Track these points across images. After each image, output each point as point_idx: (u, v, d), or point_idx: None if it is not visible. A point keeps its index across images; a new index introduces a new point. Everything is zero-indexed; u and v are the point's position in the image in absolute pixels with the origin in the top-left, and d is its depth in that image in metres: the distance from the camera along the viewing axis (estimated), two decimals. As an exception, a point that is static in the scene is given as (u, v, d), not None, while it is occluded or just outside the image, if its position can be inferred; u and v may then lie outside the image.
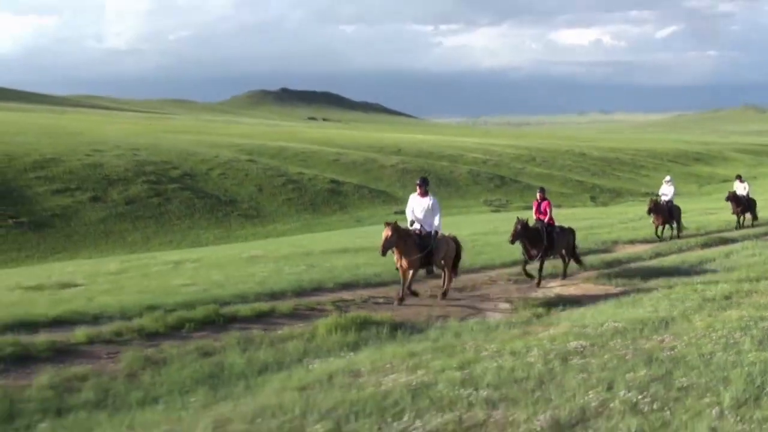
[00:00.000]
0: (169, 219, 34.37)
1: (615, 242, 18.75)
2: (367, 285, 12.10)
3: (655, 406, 5.37)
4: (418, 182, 11.61)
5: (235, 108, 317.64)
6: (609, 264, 15.31)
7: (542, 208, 13.92)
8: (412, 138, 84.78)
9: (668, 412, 5.27)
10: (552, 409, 5.38)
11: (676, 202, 21.32)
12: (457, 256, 12.01)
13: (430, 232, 11.14)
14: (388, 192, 47.91)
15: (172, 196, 37.10)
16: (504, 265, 14.38)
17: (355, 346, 8.22)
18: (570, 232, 14.26)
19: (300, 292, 11.04)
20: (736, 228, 23.13)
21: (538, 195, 14.32)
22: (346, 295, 11.21)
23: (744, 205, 23.62)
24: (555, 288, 12.88)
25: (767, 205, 28.16)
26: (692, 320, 8.76)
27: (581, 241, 16.36)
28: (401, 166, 55.37)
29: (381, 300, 11.08)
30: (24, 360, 7.39)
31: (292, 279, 12.20)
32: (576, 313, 10.08)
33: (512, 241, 12.76)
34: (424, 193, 11.39)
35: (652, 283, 12.51)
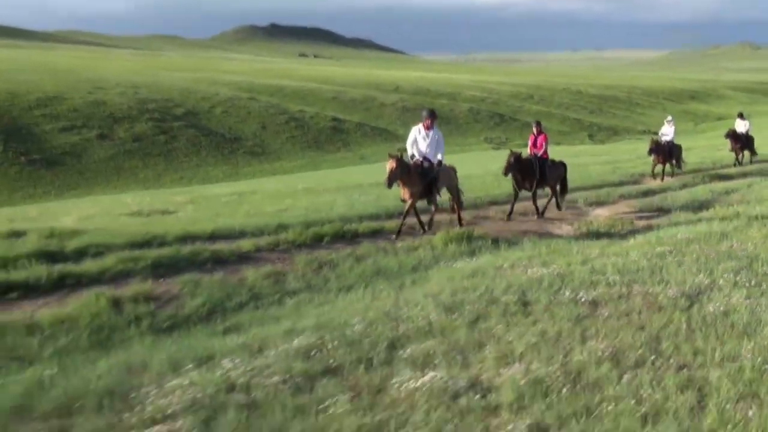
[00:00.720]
0: (177, 156, 34.79)
1: (642, 175, 19.78)
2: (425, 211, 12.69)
3: (752, 283, 6.96)
4: (425, 114, 11.42)
5: (224, 44, 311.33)
6: (644, 193, 16.41)
7: (538, 143, 13.87)
8: (408, 75, 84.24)
9: (764, 285, 6.92)
10: (675, 285, 6.90)
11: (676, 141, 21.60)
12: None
13: (433, 163, 11.15)
14: (389, 130, 48.25)
15: (178, 133, 37.39)
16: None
17: (471, 254, 9.64)
18: (562, 166, 14.25)
19: (389, 215, 12.01)
20: (735, 165, 23.47)
21: (534, 129, 14.15)
22: (424, 217, 11.85)
23: (743, 142, 23.92)
24: (601, 213, 13.83)
25: (764, 143, 28.87)
26: (747, 233, 10.30)
27: (609, 174, 17.43)
28: (401, 104, 55.48)
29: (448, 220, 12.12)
30: (221, 262, 8.70)
31: (370, 205, 13.04)
32: (640, 231, 11.42)
33: (505, 173, 12.85)
34: (430, 126, 11.27)
35: (693, 208, 13.95)
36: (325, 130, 44.28)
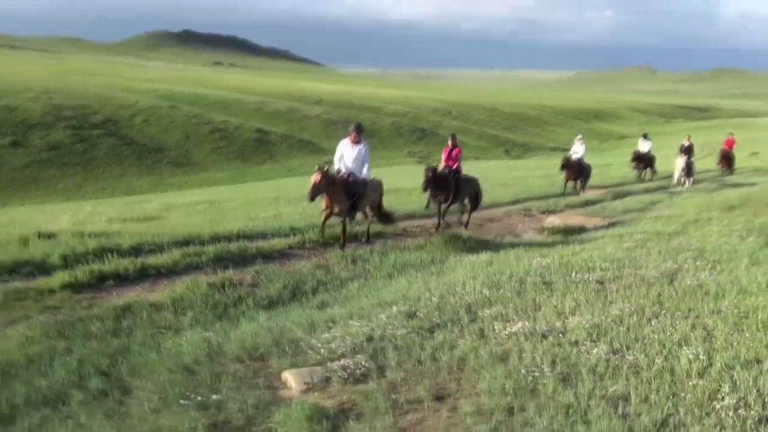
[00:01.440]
0: (98, 166, 33.66)
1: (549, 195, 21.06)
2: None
3: (709, 266, 8.72)
4: (352, 128, 11.12)
5: (133, 49, 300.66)
6: (585, 203, 18.01)
7: (453, 155, 13.81)
8: (330, 88, 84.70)
9: (719, 267, 8.74)
10: (653, 268, 8.50)
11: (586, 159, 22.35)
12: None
13: (359, 178, 10.85)
14: (314, 142, 48.48)
15: (98, 142, 36.18)
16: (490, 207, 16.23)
17: (470, 250, 10.75)
18: (474, 182, 14.24)
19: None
20: (637, 181, 25.00)
21: (449, 142, 14.08)
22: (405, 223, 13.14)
23: (646, 161, 25.86)
24: (555, 220, 14.90)
25: (662, 161, 31.24)
26: (688, 232, 12.27)
27: (548, 187, 19.10)
28: (325, 116, 55.86)
29: (416, 228, 13.02)
30: (267, 257, 9.67)
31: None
32: (599, 232, 12.96)
33: (425, 189, 12.70)
34: (357, 140, 10.96)
35: (632, 215, 15.46)
36: (250, 142, 44.02)
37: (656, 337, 5.83)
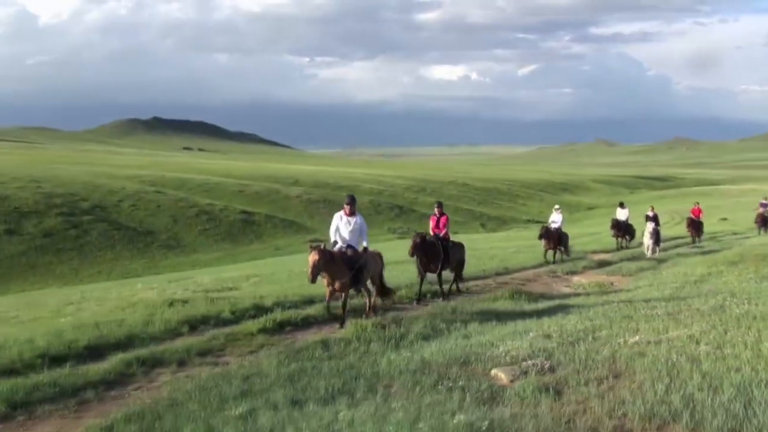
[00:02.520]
0: (91, 251, 34.30)
1: (585, 252, 23.87)
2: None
3: (744, 301, 10.58)
4: (347, 201, 10.99)
5: (103, 137, 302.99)
6: (600, 264, 20.16)
7: (441, 223, 13.79)
8: (306, 169, 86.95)
9: (753, 301, 10.60)
10: (703, 304, 10.49)
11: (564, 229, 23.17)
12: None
13: (357, 250, 10.74)
14: (297, 222, 49.79)
15: (89, 227, 36.92)
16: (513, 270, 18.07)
17: (533, 302, 12.55)
18: (461, 247, 14.35)
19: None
20: (617, 249, 25.90)
21: (436, 210, 14.00)
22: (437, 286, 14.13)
23: (624, 229, 26.88)
24: (581, 279, 16.64)
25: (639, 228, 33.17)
26: (710, 281, 14.34)
27: (558, 253, 20.85)
28: (305, 196, 57.44)
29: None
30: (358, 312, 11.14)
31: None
32: (630, 285, 15.03)
33: (412, 254, 12.65)
34: (352, 212, 10.88)
35: (648, 272, 17.68)
36: (237, 223, 45.10)
37: (738, 339, 7.61)
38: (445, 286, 13.58)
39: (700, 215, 30.03)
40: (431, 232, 13.74)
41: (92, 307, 12.39)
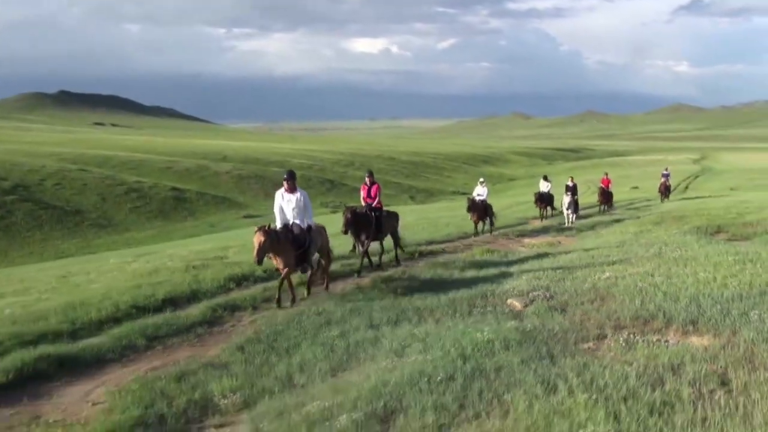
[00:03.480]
0: (18, 231, 33.18)
1: (526, 219, 25.93)
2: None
3: (676, 248, 13.71)
4: (285, 177, 10.52)
5: (6, 112, 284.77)
6: (544, 230, 22.00)
7: (372, 192, 13.54)
8: (233, 145, 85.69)
9: (683, 249, 13.59)
10: (645, 251, 13.49)
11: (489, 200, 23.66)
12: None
13: (303, 227, 10.40)
14: (229, 198, 49.50)
15: (13, 208, 35.58)
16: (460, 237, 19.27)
17: (503, 257, 14.58)
18: (395, 217, 14.11)
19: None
20: (541, 219, 26.65)
21: (367, 179, 13.76)
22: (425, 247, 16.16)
23: (546, 201, 27.43)
24: (532, 241, 18.73)
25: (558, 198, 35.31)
26: (642, 236, 17.17)
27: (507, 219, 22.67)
28: (235, 172, 56.94)
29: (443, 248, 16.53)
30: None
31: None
32: (572, 245, 16.97)
33: (345, 231, 12.28)
34: (292, 188, 10.41)
35: (588, 232, 20.25)
36: (168, 200, 44.45)
37: (681, 272, 10.24)
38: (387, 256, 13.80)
39: (609, 185, 31.09)
40: (363, 202, 13.55)
41: (106, 277, 12.75)
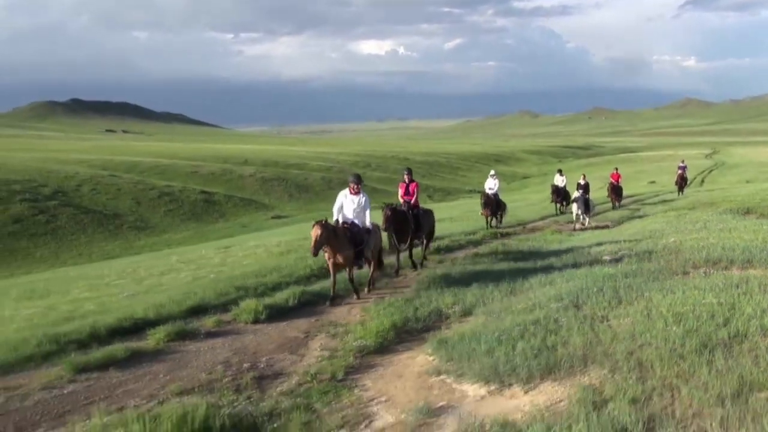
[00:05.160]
0: (64, 235, 34.74)
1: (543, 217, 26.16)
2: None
3: (720, 226, 16.07)
4: (352, 180, 11.35)
5: (18, 121, 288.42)
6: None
7: (410, 190, 13.61)
8: (253, 149, 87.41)
9: (723, 224, 16.51)
10: (692, 225, 16.56)
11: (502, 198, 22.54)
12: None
13: (361, 227, 11.00)
14: (255, 200, 51.01)
15: (57, 212, 37.16)
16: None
17: (569, 235, 18.35)
18: (431, 214, 14.03)
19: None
20: (556, 214, 26.16)
21: (405, 177, 13.88)
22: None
23: (561, 195, 27.74)
24: (579, 226, 21.23)
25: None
26: (683, 217, 19.88)
27: (538, 213, 24.76)
28: (259, 175, 58.46)
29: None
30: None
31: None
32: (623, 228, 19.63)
33: (386, 229, 12.20)
34: (357, 191, 11.21)
35: (625, 222, 22.52)
36: (199, 203, 45.98)
37: (727, 236, 13.17)
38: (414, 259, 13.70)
39: (619, 180, 30.47)
40: (401, 200, 13.60)
41: (250, 257, 15.35)
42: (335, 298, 10.48)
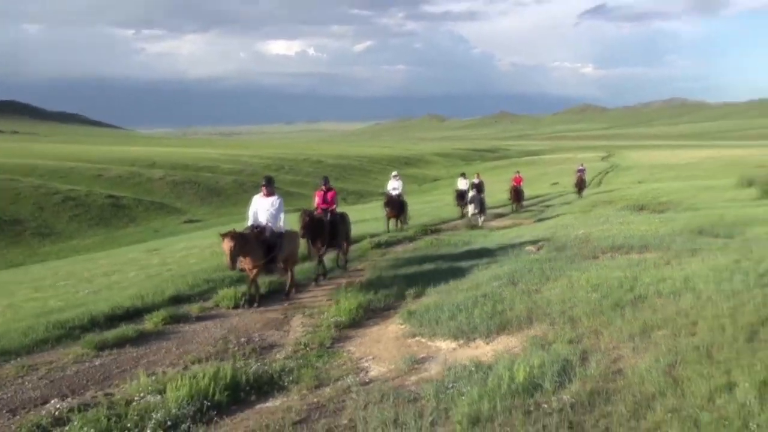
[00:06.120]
0: (-41, 242, 32.73)
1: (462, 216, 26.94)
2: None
3: (619, 220, 18.93)
4: (263, 182, 11.09)
5: None
6: (499, 215, 26.54)
7: (329, 198, 13.43)
8: (158, 151, 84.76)
9: (624, 218, 19.69)
10: (595, 220, 19.23)
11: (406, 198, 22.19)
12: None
13: (274, 231, 10.68)
14: (166, 204, 49.69)
15: (-51, 219, 34.95)
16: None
17: (488, 231, 19.87)
18: (347, 217, 13.97)
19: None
20: (460, 217, 25.52)
21: (323, 186, 13.63)
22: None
23: (465, 198, 26.49)
24: (495, 224, 22.89)
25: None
26: (589, 213, 23.39)
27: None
28: (169, 178, 56.94)
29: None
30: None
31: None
32: (535, 225, 21.72)
33: (303, 235, 11.90)
34: (270, 193, 10.94)
35: (539, 217, 24.38)
36: (106, 207, 44.33)
37: (626, 228, 16.21)
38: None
39: (521, 183, 30.34)
40: (317, 208, 13.38)
41: (149, 269, 15.36)
42: (252, 300, 10.28)
